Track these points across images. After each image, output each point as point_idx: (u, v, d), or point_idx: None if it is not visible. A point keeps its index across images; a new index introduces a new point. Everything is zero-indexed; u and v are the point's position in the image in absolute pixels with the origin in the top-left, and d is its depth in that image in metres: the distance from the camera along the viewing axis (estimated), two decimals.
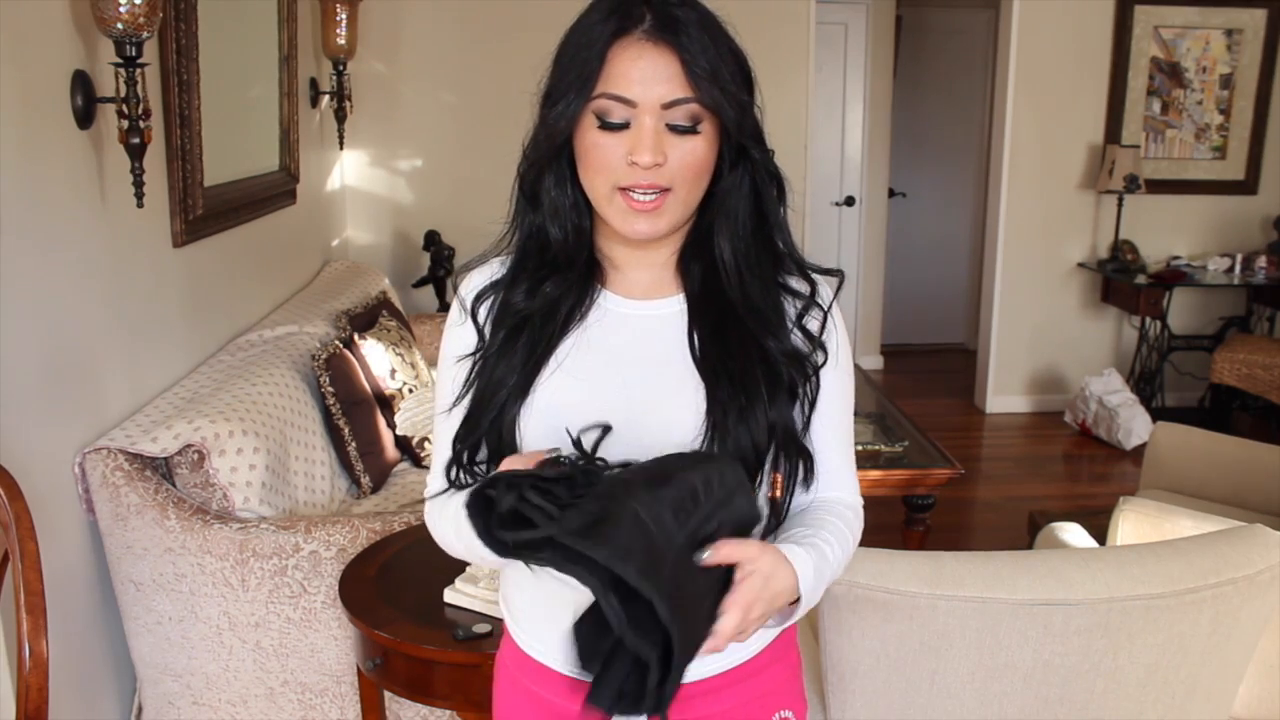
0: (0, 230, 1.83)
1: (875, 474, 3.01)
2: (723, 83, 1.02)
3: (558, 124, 1.04)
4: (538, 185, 1.09)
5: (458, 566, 1.87)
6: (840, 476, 1.15)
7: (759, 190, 1.10)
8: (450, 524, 1.09)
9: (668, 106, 1.01)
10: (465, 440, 1.10)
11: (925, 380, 6.15)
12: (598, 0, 1.04)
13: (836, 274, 1.16)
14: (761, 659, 1.16)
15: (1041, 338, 5.44)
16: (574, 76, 1.02)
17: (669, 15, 1.01)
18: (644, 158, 1.01)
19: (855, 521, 1.14)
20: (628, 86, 1.00)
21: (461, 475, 1.12)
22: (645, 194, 1.03)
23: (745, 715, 1.15)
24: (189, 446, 2.19)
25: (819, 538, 1.06)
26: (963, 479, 3.39)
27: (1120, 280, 5.13)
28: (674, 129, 1.02)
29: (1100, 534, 2.36)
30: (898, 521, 3.19)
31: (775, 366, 1.08)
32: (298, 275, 3.77)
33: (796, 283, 1.13)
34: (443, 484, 1.14)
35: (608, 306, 1.12)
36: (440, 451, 1.15)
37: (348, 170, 4.62)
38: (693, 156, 1.03)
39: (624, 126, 1.02)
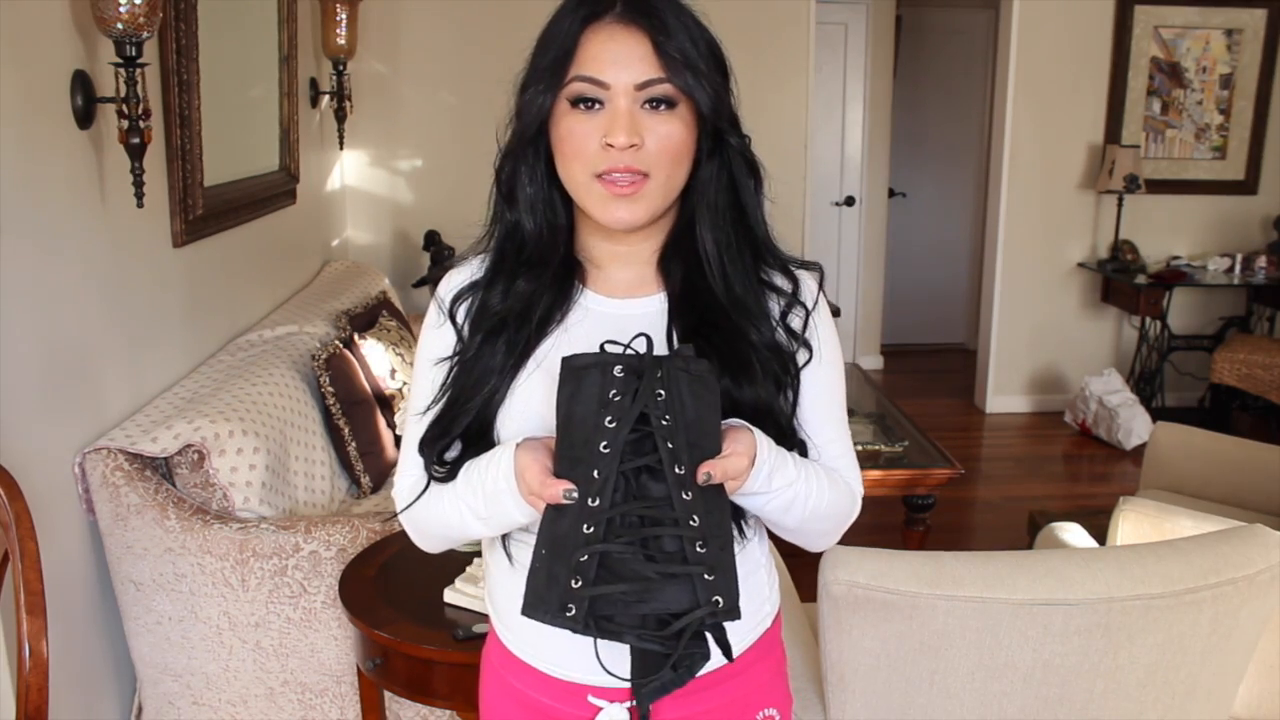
0: (0, 230, 1.83)
1: (875, 474, 3.01)
2: (695, 65, 1.02)
3: (531, 109, 1.04)
4: (514, 181, 1.10)
5: (458, 566, 1.87)
6: (840, 463, 1.15)
7: (737, 180, 1.10)
8: (451, 502, 1.08)
9: (641, 87, 1.01)
10: (434, 444, 1.09)
11: (925, 380, 6.15)
12: None
13: (814, 267, 1.16)
14: (745, 658, 1.15)
15: (1041, 338, 5.44)
16: (548, 62, 1.03)
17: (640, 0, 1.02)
18: (619, 138, 1.00)
19: (845, 490, 1.14)
20: (600, 69, 1.01)
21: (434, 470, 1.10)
22: (623, 178, 1.03)
23: (729, 715, 1.15)
24: (189, 446, 2.19)
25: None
26: (963, 479, 3.40)
27: (1120, 280, 5.13)
28: (650, 104, 1.02)
29: (1100, 534, 2.36)
30: (898, 521, 3.19)
31: (758, 355, 1.07)
32: (298, 275, 3.77)
33: (780, 280, 1.13)
34: (413, 489, 1.13)
35: (589, 306, 1.11)
36: (410, 456, 1.14)
37: (348, 170, 4.62)
38: (669, 140, 1.03)
39: (598, 107, 1.02)
